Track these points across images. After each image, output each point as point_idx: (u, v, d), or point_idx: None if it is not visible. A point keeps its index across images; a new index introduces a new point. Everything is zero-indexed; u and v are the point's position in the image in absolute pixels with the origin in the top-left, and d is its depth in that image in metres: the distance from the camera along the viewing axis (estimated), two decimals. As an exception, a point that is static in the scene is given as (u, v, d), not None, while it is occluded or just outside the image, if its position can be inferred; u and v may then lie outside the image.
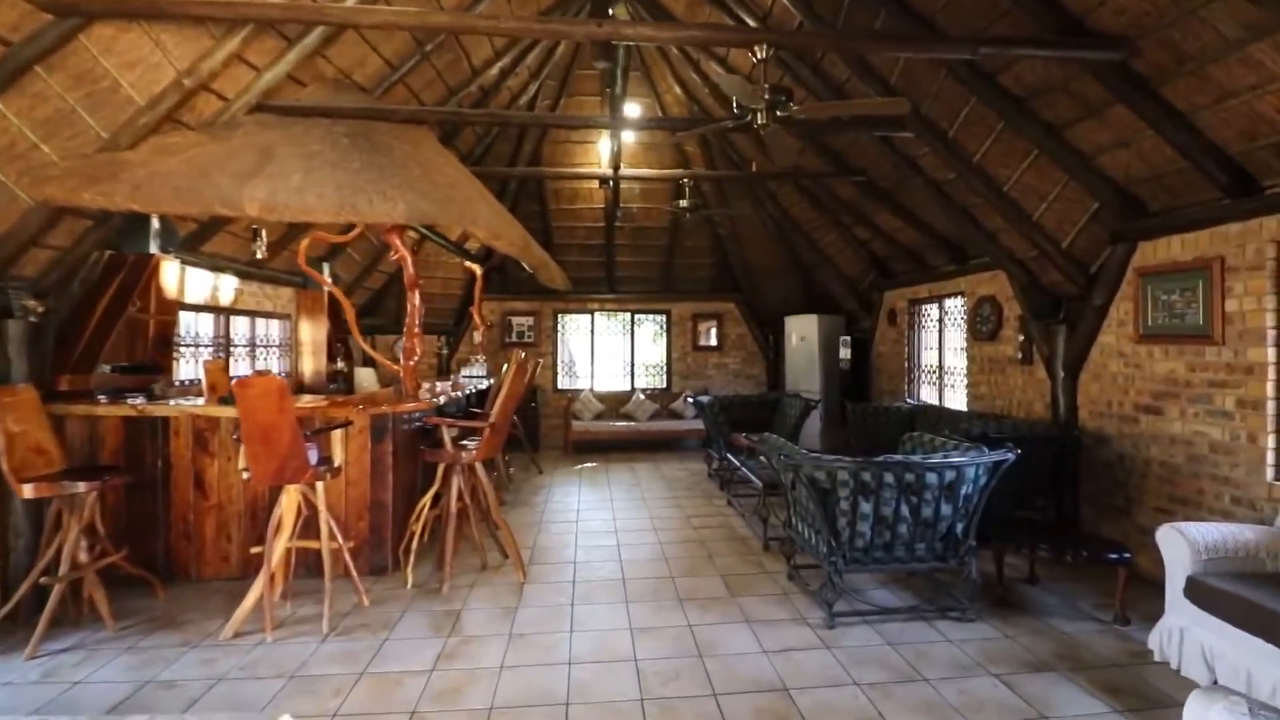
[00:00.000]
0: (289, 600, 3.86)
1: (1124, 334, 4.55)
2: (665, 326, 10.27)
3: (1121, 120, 3.96)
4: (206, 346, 5.96)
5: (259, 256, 5.44)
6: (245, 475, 3.60)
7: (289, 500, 3.66)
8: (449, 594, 3.98)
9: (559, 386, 9.92)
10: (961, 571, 3.64)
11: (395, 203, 3.41)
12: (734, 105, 3.31)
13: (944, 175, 5.40)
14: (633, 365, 10.19)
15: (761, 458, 5.58)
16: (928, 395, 7.55)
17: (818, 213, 8.13)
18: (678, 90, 7.76)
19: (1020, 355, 5.63)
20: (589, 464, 8.33)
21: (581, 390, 9.78)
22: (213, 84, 4.02)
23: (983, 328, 6.19)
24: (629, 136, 7.76)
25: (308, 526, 3.85)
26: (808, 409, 6.94)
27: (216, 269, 5.92)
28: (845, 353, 8.91)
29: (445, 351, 9.51)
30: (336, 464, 3.80)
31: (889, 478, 3.42)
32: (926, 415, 6.46)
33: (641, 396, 9.64)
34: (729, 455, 6.26)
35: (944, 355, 7.22)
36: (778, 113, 3.28)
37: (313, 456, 3.69)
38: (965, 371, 6.62)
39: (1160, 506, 4.26)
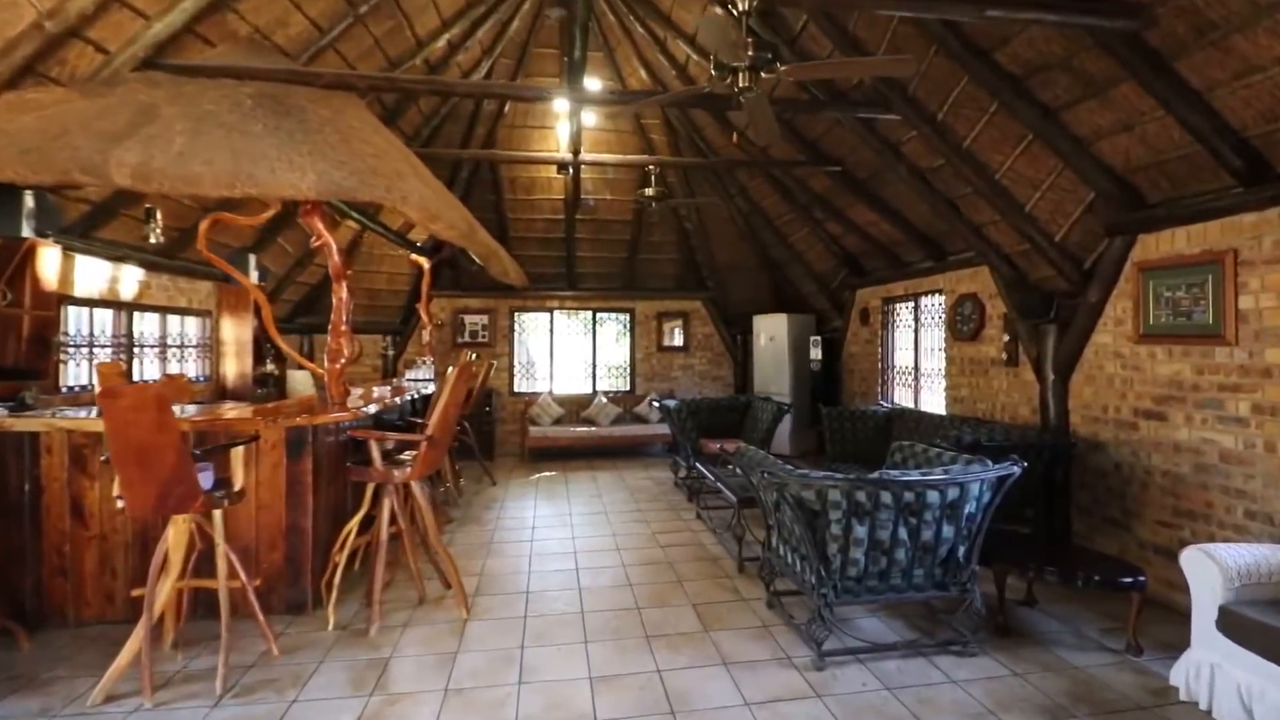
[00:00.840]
0: (181, 650, 3.23)
1: (1122, 333, 4.24)
2: (629, 326, 9.77)
3: (1126, 100, 3.64)
4: (104, 347, 5.21)
5: (153, 241, 4.72)
6: (120, 504, 2.96)
7: (177, 533, 3.03)
8: (377, 637, 3.40)
9: (516, 389, 9.32)
10: (964, 599, 3.24)
11: (304, 173, 2.83)
12: (711, 65, 2.84)
13: (930, 163, 5.03)
14: (594, 367, 9.66)
15: (735, 469, 5.12)
16: (902, 398, 7.24)
17: (789, 206, 7.75)
18: (643, 74, 7.27)
19: (1005, 356, 5.32)
20: (547, 473, 7.77)
21: (540, 393, 9.20)
22: (87, 31, 3.35)
23: (963, 327, 5.88)
24: (590, 119, 7.23)
25: (207, 559, 3.24)
26: (780, 413, 6.54)
27: (117, 258, 5.18)
28: (816, 353, 8.56)
29: (391, 352, 8.82)
30: (238, 487, 3.18)
31: (886, 497, 2.99)
32: (905, 420, 6.12)
33: (604, 400, 9.12)
34: (698, 464, 5.80)
35: (920, 356, 6.90)
36: (762, 74, 2.82)
37: (206, 479, 3.07)
38: (944, 373, 6.30)
39: (1163, 520, 3.95)
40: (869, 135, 5.19)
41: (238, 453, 3.24)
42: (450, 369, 3.70)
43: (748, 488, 4.91)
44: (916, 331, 6.94)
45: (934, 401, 6.61)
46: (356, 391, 4.90)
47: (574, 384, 9.63)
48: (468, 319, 9.09)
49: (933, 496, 3.04)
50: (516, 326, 9.41)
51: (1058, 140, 4.08)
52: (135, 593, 3.23)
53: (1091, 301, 4.40)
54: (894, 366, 7.46)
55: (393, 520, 3.70)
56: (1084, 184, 4.21)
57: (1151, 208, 4.03)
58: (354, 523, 3.67)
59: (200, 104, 3.15)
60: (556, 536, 5.18)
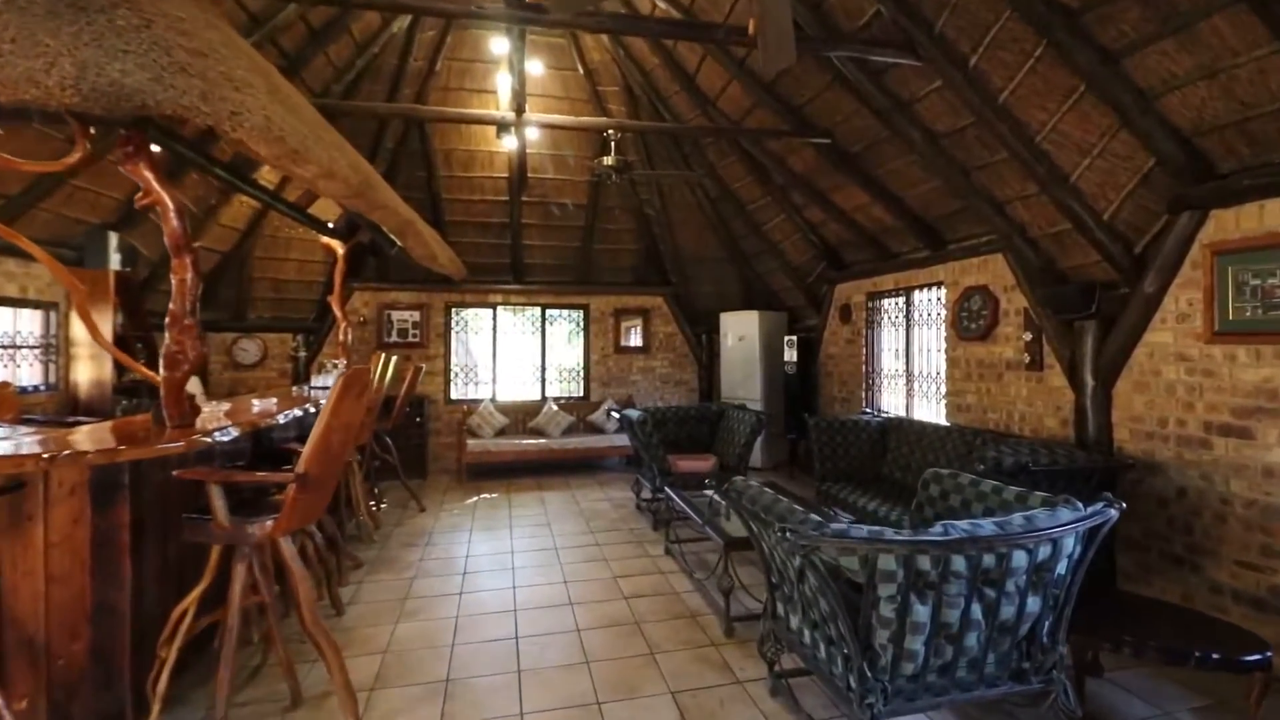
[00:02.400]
0: (-111, 819, 2.08)
1: (1187, 331, 3.49)
2: (582, 324, 8.74)
3: (1217, 37, 2.87)
4: (-121, 347, 3.90)
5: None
6: None
7: None
8: (217, 772, 2.32)
9: (452, 397, 8.16)
10: (1049, 693, 2.37)
11: (56, 62, 1.74)
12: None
13: (950, 124, 4.20)
14: (544, 370, 8.60)
15: (713, 495, 4.18)
16: (890, 404, 6.46)
17: (764, 189, 6.88)
18: (605, 39, 6.29)
19: (1027, 359, 4.54)
20: (488, 494, 6.69)
21: (481, 400, 8.08)
22: None
23: (971, 325, 5.10)
24: (536, 69, 6.18)
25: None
26: (759, 425, 5.66)
27: (-101, 229, 3.87)
28: (791, 355, 7.73)
29: (303, 354, 7.55)
30: (-24, 566, 2.06)
31: (959, 563, 2.09)
32: (903, 431, 5.31)
33: (554, 407, 8.06)
34: (669, 490, 4.84)
35: (913, 358, 6.13)
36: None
37: (-85, 557, 1.94)
38: (945, 377, 5.52)
39: (1246, 560, 3.21)
40: (875, 92, 4.33)
41: (-18, 510, 2.11)
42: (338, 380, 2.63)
43: (720, 511, 3.99)
44: (909, 330, 6.17)
45: (929, 409, 5.85)
46: (222, 406, 3.75)
47: (520, 390, 8.54)
48: (395, 315, 7.89)
49: (1019, 558, 2.15)
50: (453, 324, 8.26)
51: (1117, 92, 3.30)
52: None
53: (1147, 293, 3.64)
54: (880, 370, 6.68)
55: (249, 591, 2.61)
56: (1144, 149, 3.45)
57: (1224, 178, 3.29)
58: (190, 601, 2.57)
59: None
60: (493, 585, 4.13)
